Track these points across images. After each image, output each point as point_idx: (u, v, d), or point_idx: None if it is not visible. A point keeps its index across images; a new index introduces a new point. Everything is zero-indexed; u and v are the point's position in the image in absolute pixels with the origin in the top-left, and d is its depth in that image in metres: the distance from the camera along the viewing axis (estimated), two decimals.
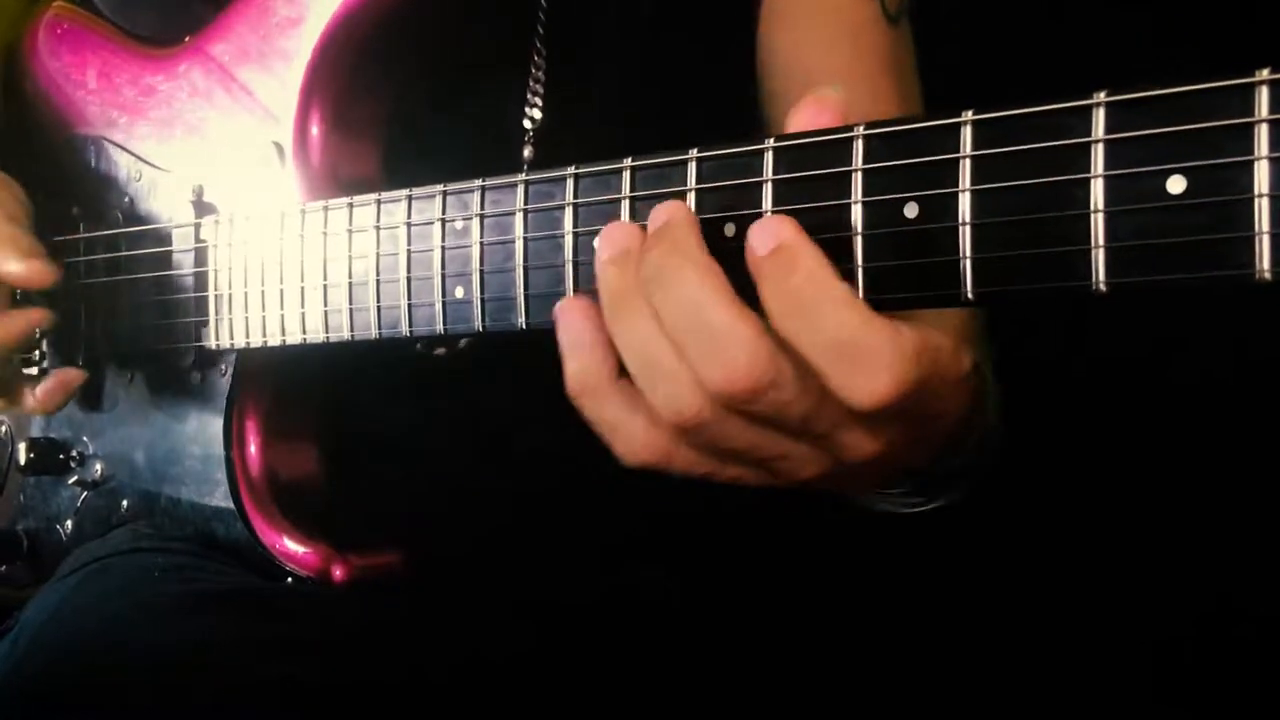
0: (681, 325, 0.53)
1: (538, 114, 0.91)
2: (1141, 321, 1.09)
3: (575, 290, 0.64)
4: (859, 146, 0.53)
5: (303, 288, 0.80)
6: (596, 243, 0.59)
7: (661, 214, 0.56)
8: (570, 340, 0.59)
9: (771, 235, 0.53)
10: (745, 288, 0.55)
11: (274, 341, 0.83)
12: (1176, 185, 0.45)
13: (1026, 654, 0.90)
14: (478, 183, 0.69)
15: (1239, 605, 1.09)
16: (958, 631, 0.92)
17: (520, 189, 0.66)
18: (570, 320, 0.60)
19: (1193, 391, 1.13)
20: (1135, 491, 1.14)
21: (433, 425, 0.95)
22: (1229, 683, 1.05)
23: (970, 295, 0.50)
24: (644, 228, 0.58)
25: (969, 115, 0.50)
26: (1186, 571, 1.10)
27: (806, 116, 0.55)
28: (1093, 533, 1.13)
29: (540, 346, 0.63)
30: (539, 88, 0.91)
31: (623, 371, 0.58)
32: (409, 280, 0.73)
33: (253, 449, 0.87)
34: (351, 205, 0.76)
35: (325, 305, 0.78)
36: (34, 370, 1.00)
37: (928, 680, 0.86)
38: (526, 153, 0.91)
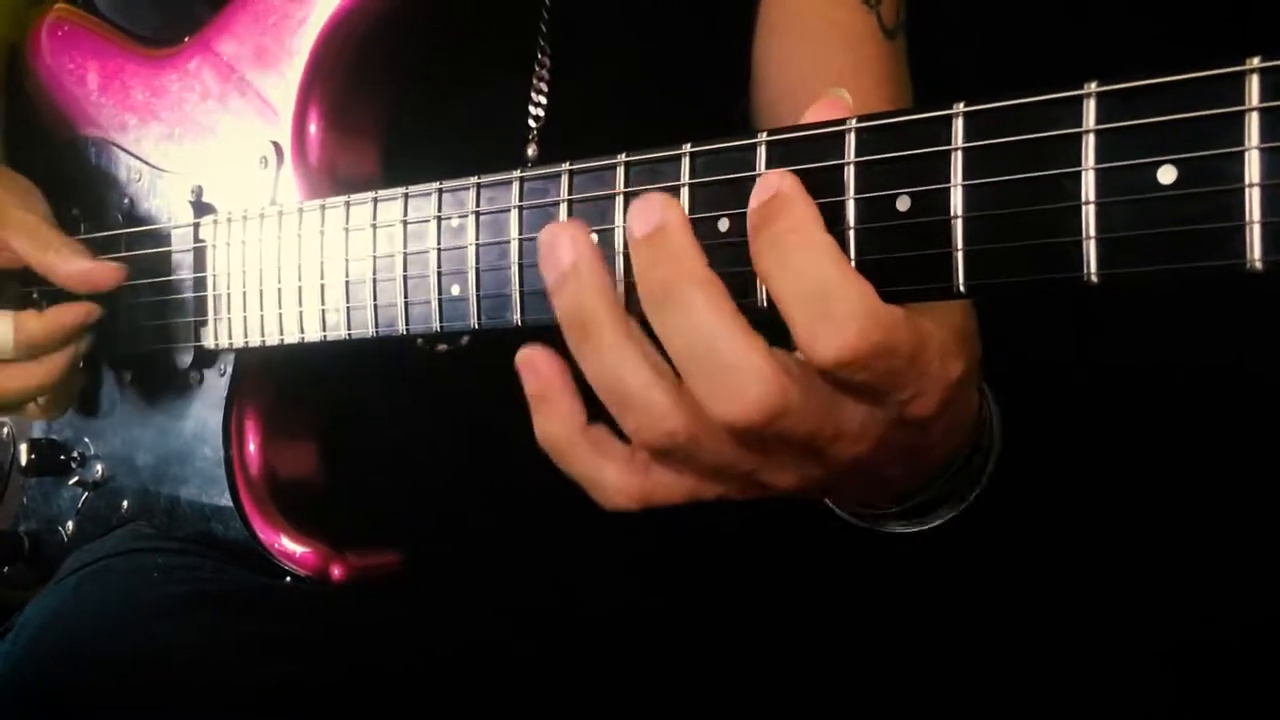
0: (687, 355, 0.52)
1: (541, 113, 0.91)
2: (1146, 323, 1.09)
3: None
4: (851, 139, 0.53)
5: (300, 287, 0.80)
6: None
7: (653, 214, 0.53)
8: (536, 394, 0.58)
9: (771, 186, 0.52)
10: (741, 282, 0.55)
11: (272, 341, 0.83)
12: (1167, 175, 0.45)
13: (1031, 662, 0.89)
14: (473, 180, 0.69)
15: (1243, 608, 1.08)
16: (961, 642, 0.91)
17: (515, 186, 0.66)
18: (532, 372, 0.58)
19: (1197, 394, 1.13)
20: (1139, 497, 1.14)
21: (432, 425, 0.95)
22: (1234, 686, 1.05)
23: (962, 287, 0.50)
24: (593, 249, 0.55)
25: (960, 107, 0.50)
26: (1190, 576, 1.10)
27: (819, 112, 0.55)
28: (1096, 539, 1.13)
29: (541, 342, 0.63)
30: (543, 86, 0.91)
31: (594, 412, 0.57)
32: (405, 278, 0.73)
33: (252, 448, 0.87)
34: (349, 204, 0.76)
35: (323, 304, 0.78)
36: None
37: (932, 690, 0.86)
38: (530, 151, 0.91)
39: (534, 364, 0.58)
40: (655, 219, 0.53)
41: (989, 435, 0.66)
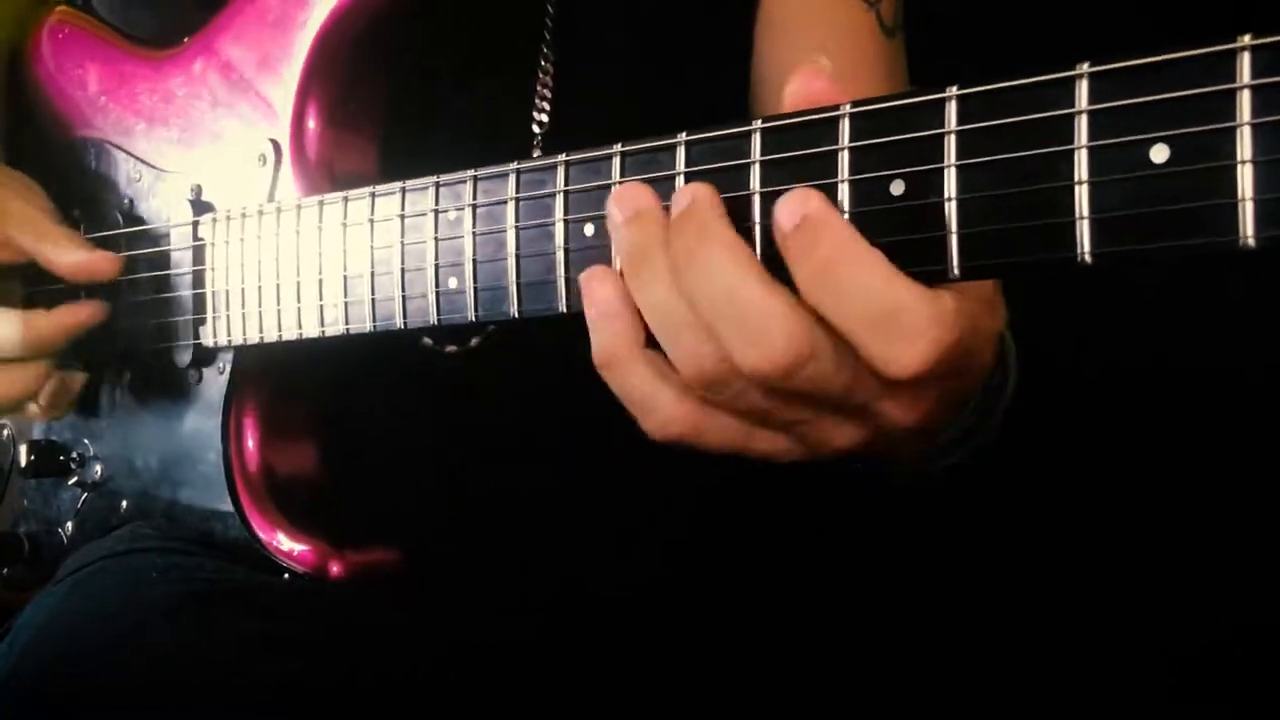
0: (714, 309, 0.52)
1: (545, 118, 0.91)
2: (1148, 319, 1.09)
3: (568, 278, 0.64)
4: (845, 125, 0.53)
5: (299, 283, 0.80)
6: (608, 206, 0.58)
7: (685, 196, 0.55)
8: (597, 310, 0.58)
9: (797, 207, 0.52)
10: None
11: (271, 338, 0.83)
12: (1160, 154, 0.45)
13: (1030, 660, 0.89)
14: (470, 173, 0.69)
15: (1243, 608, 1.08)
16: (959, 639, 0.91)
17: (512, 178, 0.67)
18: (596, 288, 0.58)
19: (1200, 390, 1.13)
20: (1139, 497, 1.14)
21: (430, 422, 0.95)
22: (1233, 686, 1.04)
23: (957, 271, 0.50)
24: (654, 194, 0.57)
25: (953, 90, 0.50)
26: (1192, 574, 1.09)
27: (801, 82, 0.55)
28: (1097, 534, 1.12)
29: (540, 344, 0.63)
30: (547, 91, 0.91)
31: (651, 342, 0.57)
32: (403, 272, 0.73)
33: (250, 446, 0.87)
34: (346, 199, 0.77)
35: (321, 300, 0.79)
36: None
37: (933, 682, 0.86)
38: (535, 155, 0.91)
39: (594, 283, 0.59)
40: (685, 199, 0.55)
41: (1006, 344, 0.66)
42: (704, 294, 0.52)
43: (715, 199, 0.55)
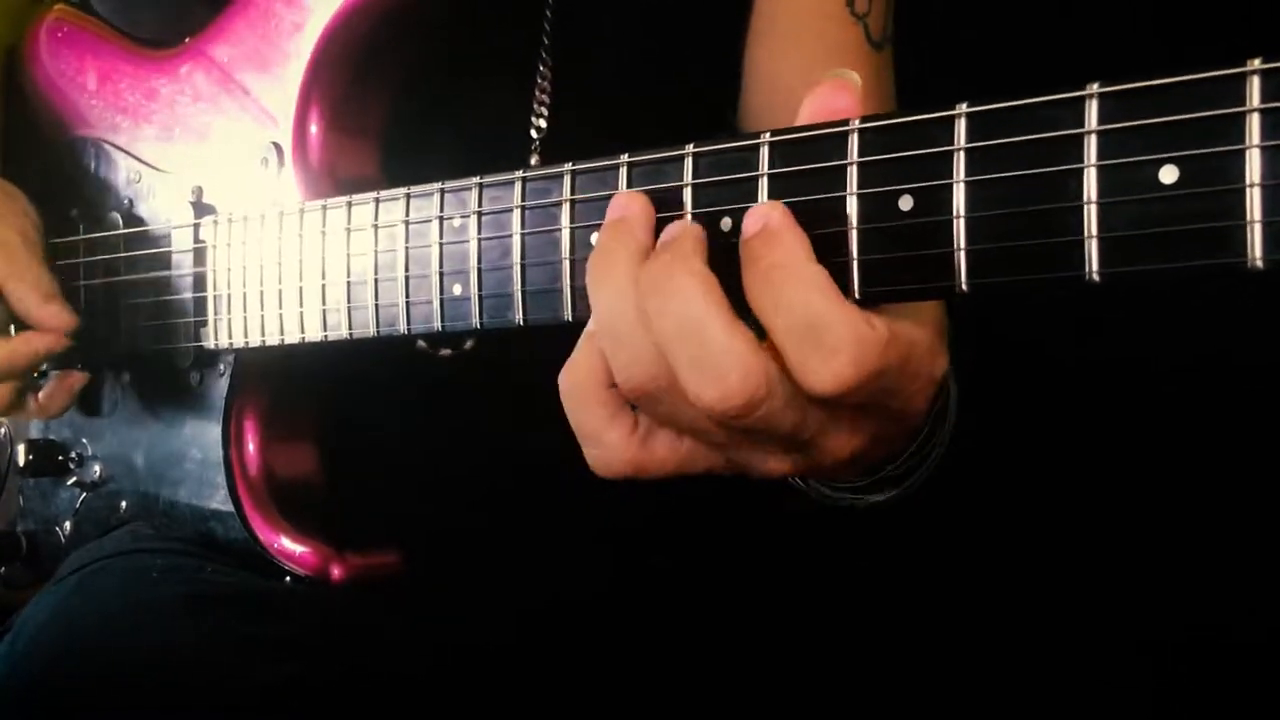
0: (674, 336, 0.53)
1: (543, 122, 0.91)
2: (1139, 317, 1.10)
3: (573, 286, 0.64)
4: (854, 140, 0.53)
5: (301, 287, 0.80)
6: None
7: (675, 228, 0.57)
8: (584, 334, 0.60)
9: (761, 217, 0.54)
10: (739, 285, 0.55)
11: (273, 341, 0.83)
12: (1169, 175, 0.45)
13: (1017, 653, 0.90)
14: (475, 180, 0.69)
15: (1237, 607, 1.09)
16: (956, 632, 0.92)
17: (518, 186, 0.67)
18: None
19: (1193, 390, 1.13)
20: (1126, 491, 1.14)
21: (432, 425, 0.95)
22: (1226, 687, 1.05)
23: (964, 287, 0.50)
24: (651, 199, 0.59)
25: (963, 108, 0.50)
26: (1184, 573, 1.10)
27: (825, 95, 0.55)
28: (1089, 533, 1.13)
29: (540, 347, 0.63)
30: (545, 96, 0.91)
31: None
32: (407, 278, 0.73)
33: (251, 449, 0.87)
34: (350, 204, 0.77)
35: (324, 304, 0.79)
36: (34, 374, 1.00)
37: (924, 680, 0.86)
38: (533, 161, 0.91)
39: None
40: (672, 232, 0.57)
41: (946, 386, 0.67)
42: (668, 318, 0.53)
43: (701, 236, 0.56)
